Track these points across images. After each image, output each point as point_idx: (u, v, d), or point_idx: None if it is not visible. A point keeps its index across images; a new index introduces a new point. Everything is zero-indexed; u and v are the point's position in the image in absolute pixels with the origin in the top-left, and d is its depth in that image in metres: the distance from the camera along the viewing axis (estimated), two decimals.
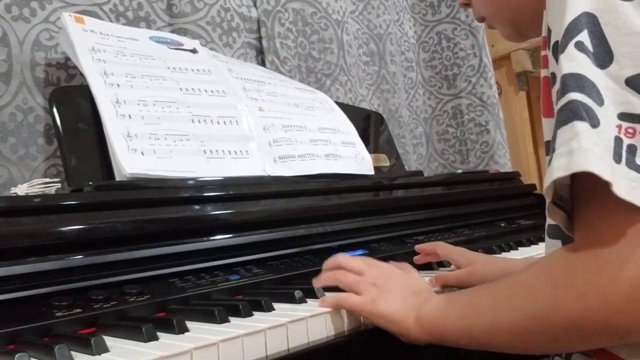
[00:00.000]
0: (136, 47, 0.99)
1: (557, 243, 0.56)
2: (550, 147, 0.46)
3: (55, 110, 0.88)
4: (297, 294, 0.65)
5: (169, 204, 0.76)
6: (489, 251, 0.96)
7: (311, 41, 1.51)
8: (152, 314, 0.63)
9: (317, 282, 0.68)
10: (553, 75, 0.47)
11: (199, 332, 0.55)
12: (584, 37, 0.44)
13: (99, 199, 0.70)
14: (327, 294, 0.66)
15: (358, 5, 1.71)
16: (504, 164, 1.81)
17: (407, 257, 0.92)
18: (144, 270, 0.68)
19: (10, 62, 0.99)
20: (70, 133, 0.87)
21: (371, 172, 1.16)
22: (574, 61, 0.44)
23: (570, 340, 0.47)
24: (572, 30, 0.45)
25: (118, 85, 0.89)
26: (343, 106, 1.27)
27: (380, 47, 1.73)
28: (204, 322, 0.59)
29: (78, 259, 0.64)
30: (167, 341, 0.52)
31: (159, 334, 0.53)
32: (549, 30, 0.49)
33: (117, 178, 0.82)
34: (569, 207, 0.48)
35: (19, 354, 0.48)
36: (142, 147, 0.84)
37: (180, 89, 0.96)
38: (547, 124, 0.50)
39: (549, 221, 0.54)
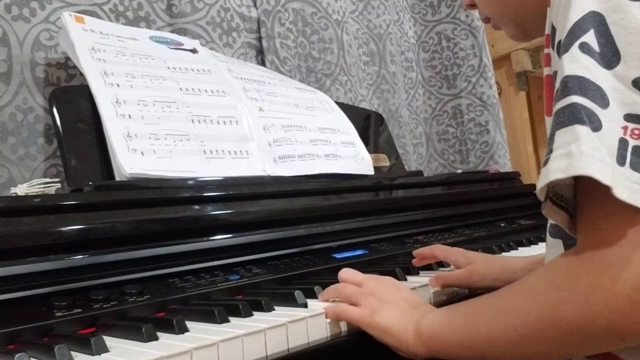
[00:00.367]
0: (136, 47, 0.99)
1: (558, 242, 0.56)
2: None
3: (55, 110, 0.88)
4: (297, 294, 0.65)
5: (169, 204, 0.76)
6: (489, 251, 0.96)
7: (311, 41, 1.51)
8: (152, 314, 0.63)
9: (321, 296, 0.67)
10: (555, 74, 0.47)
11: (199, 332, 0.55)
12: (589, 37, 0.44)
13: (99, 199, 0.70)
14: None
15: (358, 5, 1.71)
16: (504, 164, 1.81)
17: (407, 257, 0.92)
18: (144, 270, 0.68)
19: (10, 62, 0.99)
20: (70, 133, 0.87)
21: (371, 172, 1.16)
22: (578, 63, 0.44)
23: (574, 346, 0.47)
24: (577, 30, 0.45)
25: (118, 85, 0.89)
26: (343, 106, 1.27)
27: (380, 47, 1.73)
28: (204, 322, 0.59)
29: (78, 259, 0.64)
30: (167, 341, 0.52)
31: (159, 334, 0.53)
32: (553, 28, 0.48)
33: (117, 178, 0.82)
34: (572, 208, 0.47)
35: (19, 354, 0.48)
36: (142, 147, 0.84)
37: (180, 89, 0.96)
38: (550, 123, 0.50)
39: (551, 220, 0.54)
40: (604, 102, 0.43)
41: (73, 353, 0.49)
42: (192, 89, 0.97)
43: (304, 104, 1.16)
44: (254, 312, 0.61)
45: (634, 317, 0.42)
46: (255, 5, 1.40)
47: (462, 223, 1.14)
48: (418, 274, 0.83)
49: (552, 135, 0.44)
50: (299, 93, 1.20)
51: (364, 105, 1.58)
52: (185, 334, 0.54)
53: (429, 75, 1.89)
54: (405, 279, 0.78)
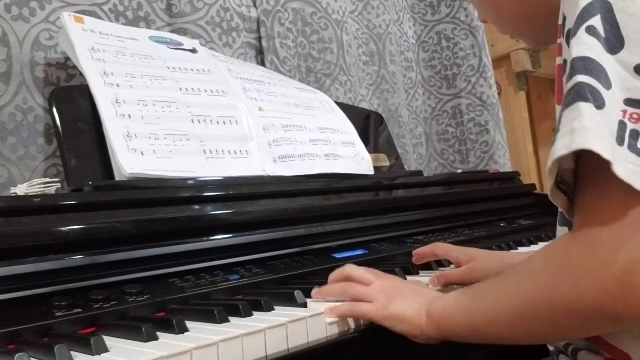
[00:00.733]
0: (136, 47, 0.99)
1: (566, 230, 0.57)
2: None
3: (55, 110, 0.88)
4: (297, 294, 0.65)
5: (169, 204, 0.76)
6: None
7: (311, 41, 1.51)
8: (152, 314, 0.63)
9: (322, 294, 0.67)
10: (565, 62, 0.48)
11: (199, 332, 0.55)
12: (596, 22, 0.45)
13: (99, 199, 0.70)
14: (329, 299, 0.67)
15: (358, 5, 1.71)
16: (504, 164, 1.81)
17: (407, 257, 0.92)
18: (144, 270, 0.69)
19: (10, 62, 0.99)
20: (70, 133, 0.87)
21: (371, 172, 1.16)
22: (584, 45, 0.45)
23: (569, 327, 0.48)
24: (584, 15, 0.46)
25: (118, 85, 0.89)
26: (343, 106, 1.27)
27: (380, 47, 1.73)
28: (204, 322, 0.59)
29: (78, 259, 0.64)
30: (167, 341, 0.52)
31: (159, 334, 0.53)
32: (564, 18, 0.49)
33: (117, 178, 0.82)
34: (572, 192, 0.48)
35: (19, 354, 0.48)
36: (142, 147, 0.84)
37: (180, 89, 0.96)
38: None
39: (554, 203, 0.54)
40: (607, 83, 0.43)
41: (73, 353, 0.49)
42: (192, 89, 0.97)
43: (304, 104, 1.16)
44: (254, 312, 0.61)
45: (624, 300, 0.42)
46: (255, 5, 1.40)
47: (462, 223, 1.14)
48: (418, 273, 0.83)
49: (560, 116, 0.45)
50: (299, 93, 1.20)
51: (364, 105, 1.58)
52: (185, 334, 0.54)
53: (429, 75, 1.89)
54: (405, 279, 0.78)
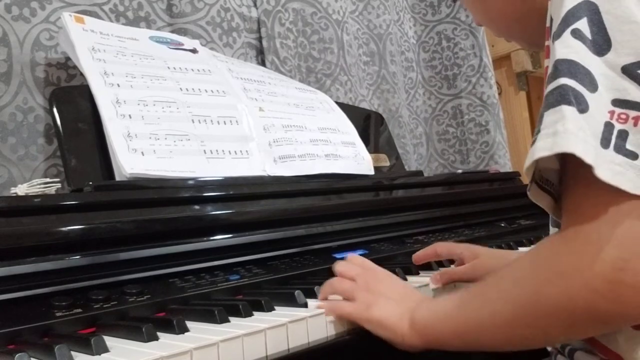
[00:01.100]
0: (136, 47, 0.99)
1: (556, 230, 0.57)
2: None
3: (55, 110, 0.88)
4: (297, 294, 0.65)
5: (169, 204, 0.76)
6: None
7: (311, 41, 1.51)
8: (152, 314, 0.63)
9: (320, 294, 0.67)
10: (550, 62, 0.48)
11: (199, 332, 0.55)
12: (582, 24, 0.45)
13: (99, 199, 0.70)
14: (330, 297, 0.67)
15: (358, 5, 1.71)
16: (504, 164, 1.81)
17: (407, 257, 0.92)
18: (144, 270, 0.68)
19: (10, 62, 0.99)
20: (70, 133, 0.87)
21: (371, 172, 1.16)
22: (569, 47, 0.45)
23: (557, 329, 0.47)
24: (570, 17, 0.46)
25: (118, 85, 0.89)
26: (343, 106, 1.27)
27: (380, 47, 1.73)
28: (204, 322, 0.59)
29: (78, 259, 0.64)
30: (167, 341, 0.52)
31: (159, 334, 0.53)
32: (551, 20, 0.49)
33: (117, 178, 0.82)
34: (556, 192, 0.48)
35: (19, 354, 0.48)
36: (142, 147, 0.84)
37: (180, 89, 0.96)
38: None
39: (536, 203, 0.54)
40: (592, 86, 0.44)
41: (73, 353, 0.49)
42: (192, 89, 0.97)
43: (304, 104, 1.16)
44: (254, 312, 0.61)
45: (613, 299, 0.42)
46: (255, 5, 1.40)
47: (462, 223, 1.14)
48: (418, 273, 0.83)
49: (541, 116, 0.45)
50: (299, 93, 1.20)
51: (364, 105, 1.58)
52: (186, 334, 0.54)
53: (429, 75, 1.89)
54: (405, 279, 0.78)
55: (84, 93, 0.89)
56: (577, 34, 0.45)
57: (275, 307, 0.63)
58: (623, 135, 0.43)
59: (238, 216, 0.81)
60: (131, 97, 0.88)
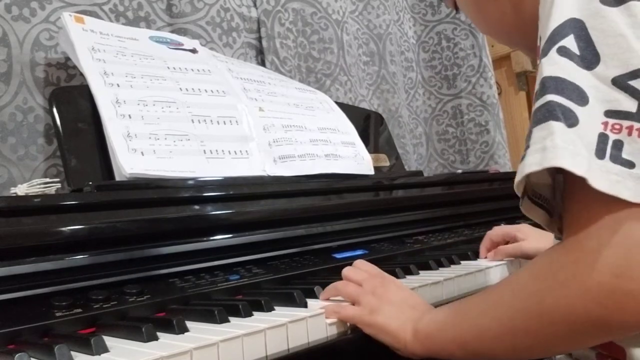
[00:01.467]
0: (136, 47, 0.99)
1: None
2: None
3: (55, 110, 0.88)
4: (297, 294, 0.65)
5: (169, 204, 0.76)
6: None
7: (311, 41, 1.51)
8: (152, 314, 0.63)
9: (322, 295, 0.68)
10: (537, 80, 0.49)
11: (199, 332, 0.55)
12: (568, 42, 0.46)
13: (99, 199, 0.70)
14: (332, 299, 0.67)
15: (358, 5, 1.71)
16: (504, 164, 1.81)
17: (407, 257, 0.92)
18: (144, 270, 0.68)
19: (10, 62, 0.99)
20: (70, 133, 0.87)
21: (371, 172, 1.16)
22: (555, 65, 0.46)
23: (558, 339, 0.47)
24: (555, 36, 0.47)
25: (118, 85, 0.89)
26: (343, 106, 1.27)
27: (380, 47, 1.73)
28: (204, 322, 0.59)
29: (78, 259, 0.64)
30: (167, 341, 0.52)
31: (159, 334, 0.53)
32: (540, 39, 0.51)
33: (117, 178, 0.82)
34: (550, 207, 0.49)
35: (19, 354, 0.48)
36: (142, 147, 0.84)
37: (180, 89, 0.96)
38: None
39: (529, 217, 0.55)
40: (582, 100, 0.45)
41: (73, 353, 0.49)
42: (192, 89, 0.97)
43: (304, 104, 1.16)
44: (254, 312, 0.61)
45: (612, 306, 0.42)
46: (255, 5, 1.40)
47: (462, 223, 1.14)
48: (418, 273, 0.83)
49: (530, 132, 0.46)
50: (299, 93, 1.20)
51: (364, 105, 1.58)
52: (185, 334, 0.54)
53: (429, 75, 1.89)
54: (405, 279, 0.78)
55: (84, 93, 0.89)
56: (563, 51, 0.46)
57: (275, 307, 0.63)
58: (618, 145, 0.43)
59: (238, 216, 0.81)
60: (131, 97, 0.88)
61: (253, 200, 0.85)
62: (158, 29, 1.19)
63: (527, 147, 0.46)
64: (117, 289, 0.64)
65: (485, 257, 0.94)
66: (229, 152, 0.93)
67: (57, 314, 0.58)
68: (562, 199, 0.48)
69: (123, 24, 1.13)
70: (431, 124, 1.88)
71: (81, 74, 0.91)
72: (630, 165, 0.43)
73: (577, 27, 0.47)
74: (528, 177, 0.45)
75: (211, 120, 0.94)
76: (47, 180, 0.78)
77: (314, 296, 0.67)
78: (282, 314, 0.60)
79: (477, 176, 1.34)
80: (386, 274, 0.70)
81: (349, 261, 0.82)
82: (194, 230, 0.75)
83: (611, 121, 0.44)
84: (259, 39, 1.39)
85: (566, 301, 0.44)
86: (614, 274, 0.42)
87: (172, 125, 0.89)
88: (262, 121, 1.02)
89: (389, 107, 1.70)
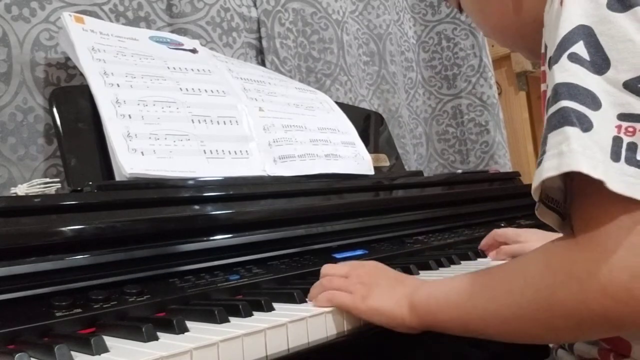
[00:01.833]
0: (136, 47, 0.99)
1: None
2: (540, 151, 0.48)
3: (55, 110, 0.88)
4: (297, 294, 0.65)
5: (169, 204, 0.76)
6: None
7: (311, 41, 1.51)
8: (152, 314, 0.63)
9: (310, 295, 0.68)
10: (549, 87, 0.50)
11: (199, 332, 0.55)
12: (578, 48, 0.47)
13: (99, 199, 0.70)
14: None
15: (358, 5, 1.71)
16: (504, 164, 1.81)
17: (407, 257, 0.92)
18: (144, 270, 0.68)
19: (10, 62, 0.99)
20: (70, 133, 0.87)
21: (371, 172, 1.16)
22: (567, 71, 0.47)
23: (566, 330, 0.48)
24: (565, 43, 0.48)
25: (118, 85, 0.89)
26: (343, 106, 1.27)
27: (380, 47, 1.73)
28: (204, 322, 0.59)
29: (78, 259, 0.64)
30: (167, 341, 0.52)
31: (159, 334, 0.53)
32: (546, 47, 0.52)
33: (117, 178, 0.82)
34: (563, 210, 0.50)
35: (19, 354, 0.48)
36: (142, 147, 0.84)
37: (180, 89, 0.96)
38: None
39: (543, 220, 0.55)
40: (595, 104, 0.45)
41: (73, 353, 0.49)
42: (192, 89, 0.97)
43: (304, 104, 1.16)
44: (254, 312, 0.61)
45: (629, 305, 0.43)
46: (255, 5, 1.40)
47: (462, 223, 1.14)
48: (418, 273, 0.83)
49: (545, 138, 0.47)
50: (299, 93, 1.20)
51: (364, 105, 1.58)
52: (185, 334, 0.54)
53: (429, 75, 1.89)
54: None
55: (84, 93, 0.89)
56: (573, 57, 0.47)
57: (275, 307, 0.63)
58: (632, 147, 0.44)
59: (238, 216, 0.81)
60: (131, 97, 0.88)
61: (253, 200, 0.85)
62: (158, 29, 1.19)
63: (543, 152, 0.46)
64: (117, 289, 0.64)
65: (485, 250, 0.95)
66: (229, 152, 0.93)
67: (57, 314, 0.58)
68: (571, 200, 0.49)
69: (123, 24, 1.13)
70: (431, 124, 1.88)
71: (81, 74, 0.91)
72: None
73: (586, 33, 0.47)
74: (543, 181, 0.46)
75: (211, 120, 0.94)
76: (47, 180, 0.78)
77: None
78: (282, 314, 0.60)
79: (477, 176, 1.34)
80: (366, 262, 0.71)
81: (349, 261, 0.83)
82: (194, 230, 0.75)
83: (624, 124, 0.45)
84: (259, 39, 1.39)
85: (582, 298, 0.45)
86: (632, 274, 0.43)
87: (172, 125, 0.89)
88: (262, 121, 1.02)
89: (389, 107, 1.70)
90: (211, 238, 0.76)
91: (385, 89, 1.70)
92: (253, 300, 0.62)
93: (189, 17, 1.23)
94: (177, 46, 1.07)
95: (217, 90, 1.00)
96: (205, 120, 0.94)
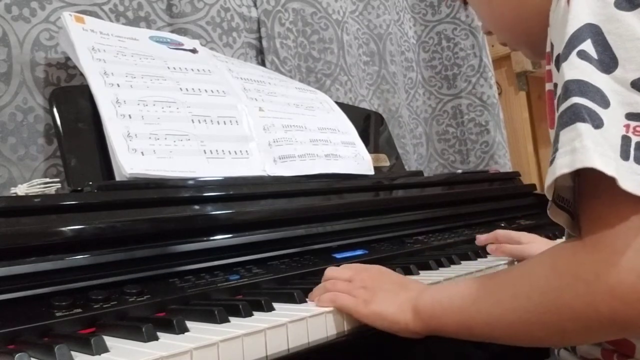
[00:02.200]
0: (136, 47, 0.99)
1: None
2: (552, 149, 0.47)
3: (55, 110, 0.88)
4: (297, 294, 0.65)
5: (169, 204, 0.76)
6: None
7: (311, 41, 1.51)
8: (152, 314, 0.63)
9: (311, 296, 0.68)
10: (556, 85, 0.49)
11: (199, 332, 0.55)
12: (587, 46, 0.47)
13: (99, 199, 0.70)
14: None
15: (358, 5, 1.71)
16: (504, 164, 1.81)
17: (407, 257, 0.92)
18: (144, 270, 0.68)
19: (10, 62, 0.99)
20: (70, 133, 0.87)
21: (371, 172, 1.16)
22: (577, 69, 0.46)
23: (573, 333, 0.48)
24: (574, 40, 0.47)
25: (118, 85, 0.89)
26: (343, 106, 1.27)
27: (380, 47, 1.73)
28: (204, 322, 0.59)
29: (78, 259, 0.64)
30: (167, 341, 0.52)
31: (159, 334, 0.53)
32: (552, 45, 0.51)
33: (117, 178, 0.82)
34: (573, 209, 0.49)
35: (19, 354, 0.48)
36: (142, 147, 0.84)
37: (180, 89, 0.96)
38: (554, 133, 0.52)
39: (554, 220, 0.55)
40: (604, 102, 0.45)
41: (73, 353, 0.49)
42: (192, 89, 0.97)
43: (304, 104, 1.16)
44: (254, 312, 0.60)
45: (638, 307, 0.43)
46: (255, 5, 1.40)
47: (462, 223, 1.14)
48: (418, 273, 0.83)
49: (557, 135, 0.46)
50: (299, 93, 1.20)
51: (364, 105, 1.58)
52: (186, 334, 0.54)
53: (429, 75, 1.89)
54: None
55: (84, 93, 0.89)
56: (582, 54, 0.46)
57: (275, 307, 0.63)
58: None
59: (238, 216, 0.81)
60: (131, 97, 0.88)
61: (253, 200, 0.85)
62: (158, 29, 1.19)
63: (556, 150, 0.46)
64: (117, 289, 0.64)
65: (485, 245, 0.95)
66: (229, 152, 0.93)
67: (57, 314, 0.58)
68: (579, 199, 0.48)
69: (123, 24, 1.13)
70: (431, 124, 1.88)
71: (81, 74, 0.91)
72: None
73: (593, 31, 0.47)
74: (556, 179, 0.45)
75: (211, 120, 0.95)
76: (47, 180, 0.78)
77: None
78: (282, 314, 0.60)
79: (477, 176, 1.34)
80: (369, 266, 0.70)
81: (349, 261, 0.83)
82: (194, 230, 0.75)
83: (633, 123, 0.44)
84: (259, 39, 1.39)
85: (590, 300, 0.45)
86: (639, 274, 0.42)
87: (172, 125, 0.89)
88: (262, 121, 1.02)
89: (389, 107, 1.70)
90: (211, 238, 0.76)
91: (385, 89, 1.70)
92: (253, 300, 0.62)
93: (189, 17, 1.23)
94: (177, 46, 1.07)
95: (217, 90, 1.00)
96: (205, 120, 0.94)
